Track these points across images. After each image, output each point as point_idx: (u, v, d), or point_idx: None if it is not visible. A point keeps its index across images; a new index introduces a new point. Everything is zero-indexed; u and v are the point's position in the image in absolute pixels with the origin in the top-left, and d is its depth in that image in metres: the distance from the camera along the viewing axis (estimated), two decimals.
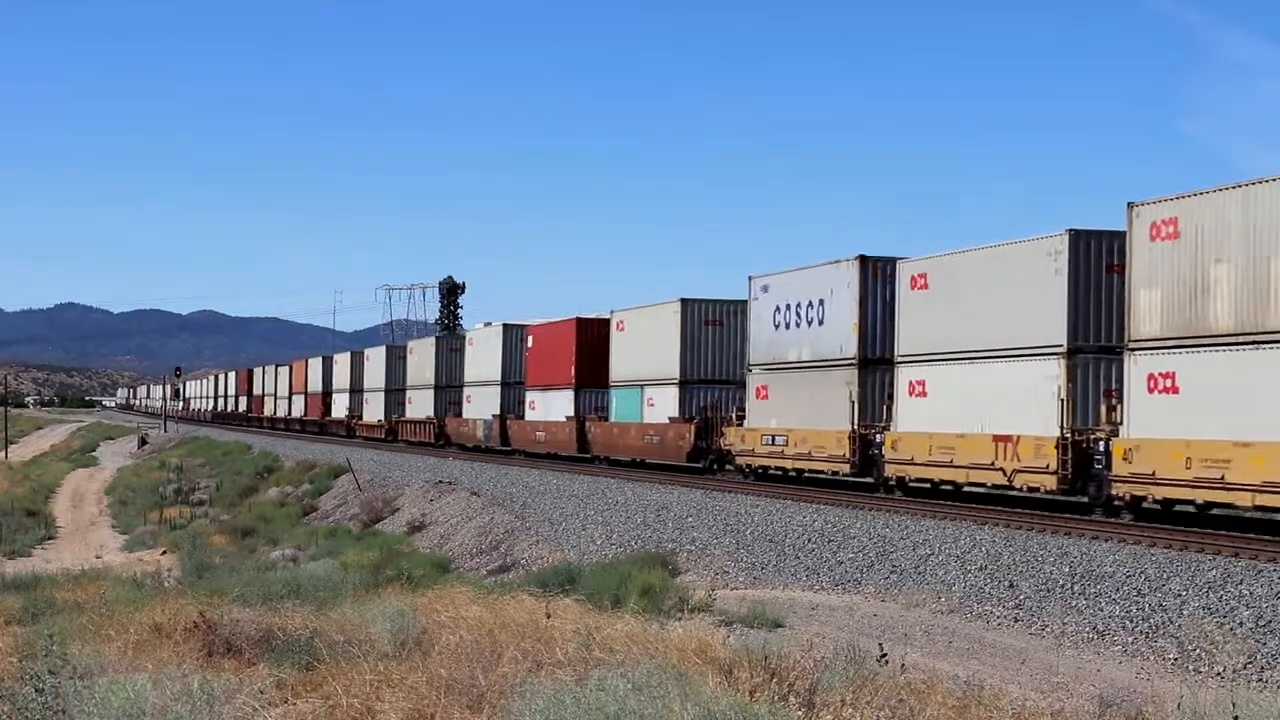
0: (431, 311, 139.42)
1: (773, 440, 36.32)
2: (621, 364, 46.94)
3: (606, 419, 47.64)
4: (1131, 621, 18.35)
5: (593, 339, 49.01)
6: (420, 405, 70.82)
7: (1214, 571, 19.34)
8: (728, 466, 40.17)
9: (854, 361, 33.16)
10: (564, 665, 12.22)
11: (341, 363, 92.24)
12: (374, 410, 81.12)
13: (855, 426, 32.74)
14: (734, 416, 39.26)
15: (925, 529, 25.60)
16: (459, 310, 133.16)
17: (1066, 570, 20.88)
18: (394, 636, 13.82)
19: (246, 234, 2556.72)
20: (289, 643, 13.66)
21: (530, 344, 54.87)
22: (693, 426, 41.18)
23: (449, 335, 67.62)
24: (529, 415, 54.60)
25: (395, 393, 77.16)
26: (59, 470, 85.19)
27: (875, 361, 32.98)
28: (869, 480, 33.15)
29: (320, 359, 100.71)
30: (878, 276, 33.38)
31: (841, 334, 33.82)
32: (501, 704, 10.79)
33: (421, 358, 71.94)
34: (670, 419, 42.50)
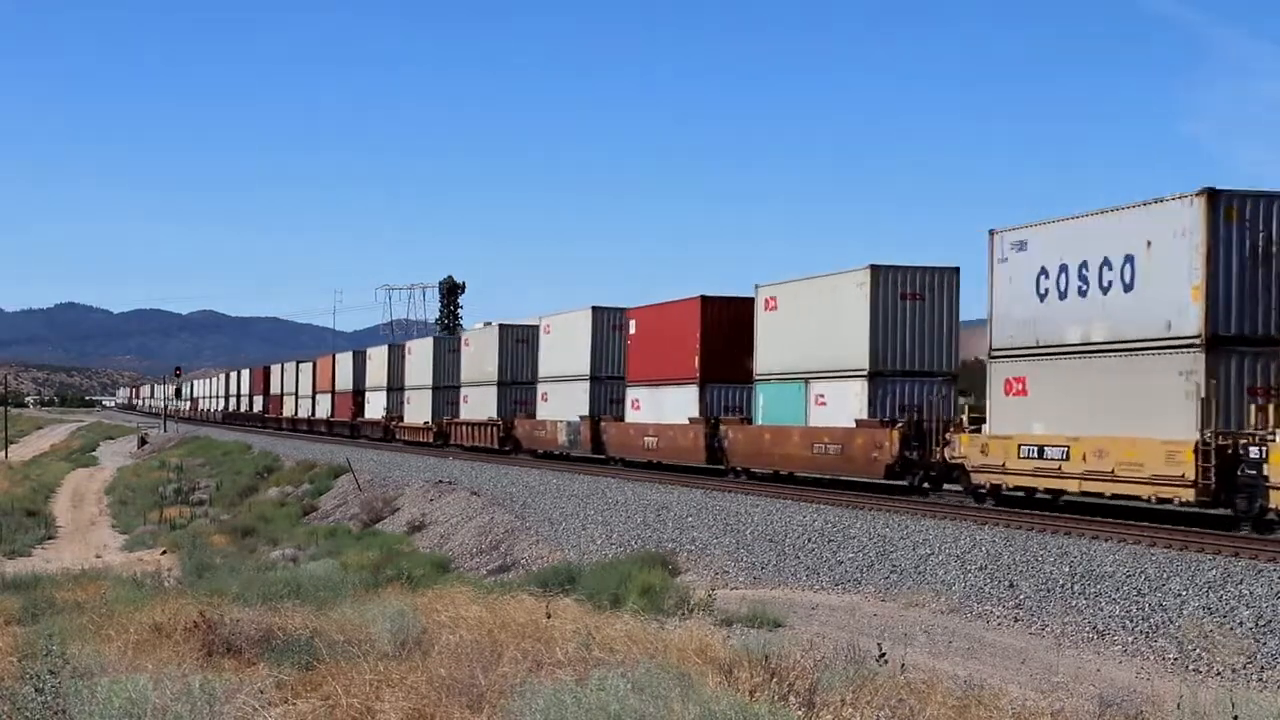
0: (431, 311, 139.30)
1: (1039, 452, 27.02)
2: (774, 352, 37.38)
3: (750, 421, 38.37)
4: (1131, 621, 18.34)
5: (724, 321, 40.25)
6: (479, 405, 61.23)
7: (1214, 571, 19.33)
8: (946, 486, 31.36)
9: (1197, 341, 23.77)
10: (564, 665, 12.21)
11: (378, 358, 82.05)
12: (419, 410, 70.82)
13: (1203, 435, 23.33)
14: (963, 420, 30.32)
15: (925, 529, 25.60)
16: (459, 310, 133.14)
17: (1066, 570, 20.88)
18: (394, 636, 13.81)
19: (246, 234, 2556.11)
20: (289, 643, 13.65)
21: (632, 330, 46.01)
22: (895, 433, 31.62)
23: (514, 324, 58.71)
24: (631, 416, 45.76)
25: (446, 391, 67.40)
26: (59, 470, 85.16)
27: (1232, 341, 23.80)
28: (1231, 512, 23.89)
29: (350, 354, 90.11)
30: (1233, 220, 23.93)
31: (1170, 303, 24.40)
32: (501, 704, 10.79)
33: (480, 349, 61.85)
34: (858, 421, 33.04)
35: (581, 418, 48.99)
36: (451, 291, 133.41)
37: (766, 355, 37.82)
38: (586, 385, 49.15)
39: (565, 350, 51.43)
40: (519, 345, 58.05)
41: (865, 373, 33.17)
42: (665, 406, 42.78)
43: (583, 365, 49.62)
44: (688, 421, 40.89)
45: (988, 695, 12.08)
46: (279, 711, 10.93)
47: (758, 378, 37.97)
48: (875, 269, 33.17)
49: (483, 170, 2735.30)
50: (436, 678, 11.55)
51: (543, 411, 53.62)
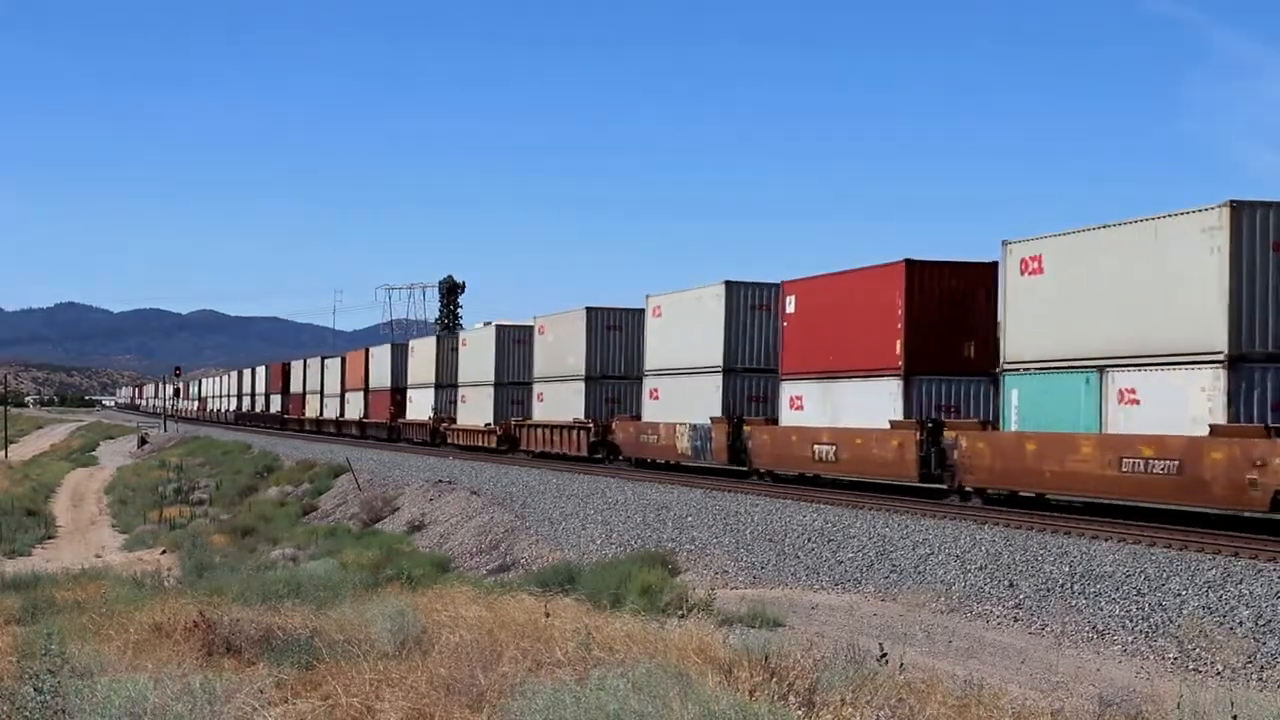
0: (431, 311, 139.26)
1: None
2: (1038, 330, 27.51)
3: (992, 426, 28.71)
4: (1131, 621, 18.35)
5: (938, 295, 31.03)
6: (559, 403, 51.42)
7: (1214, 571, 19.33)
8: None
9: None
10: (564, 665, 12.21)
11: (423, 351, 72.04)
12: (477, 411, 60.73)
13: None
14: None
15: (925, 528, 25.59)
16: (459, 310, 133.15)
17: (1066, 570, 20.88)
18: (394, 636, 13.81)
19: (246, 234, 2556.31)
20: (289, 642, 13.65)
21: (789, 308, 36.36)
22: None
23: (604, 308, 49.82)
24: (790, 418, 35.68)
25: (511, 388, 58.13)
26: (59, 470, 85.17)
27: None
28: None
29: (388, 347, 79.88)
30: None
31: None
32: (501, 703, 10.78)
33: (559, 338, 52.14)
34: (1214, 428, 22.76)
35: (713, 420, 38.92)
36: (451, 291, 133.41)
37: (1025, 335, 27.95)
38: (718, 379, 39.12)
39: (685, 337, 41.61)
40: (609, 332, 49.20)
41: (1221, 355, 22.88)
42: (845, 406, 33.06)
43: (712, 354, 39.67)
44: (888, 426, 30.81)
45: (988, 695, 12.08)
46: (279, 711, 10.93)
47: (1007, 366, 28.25)
48: (1238, 207, 22.96)
49: (483, 170, 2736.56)
50: (436, 677, 11.55)
51: (651, 412, 44.00)
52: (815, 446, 33.81)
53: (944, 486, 29.72)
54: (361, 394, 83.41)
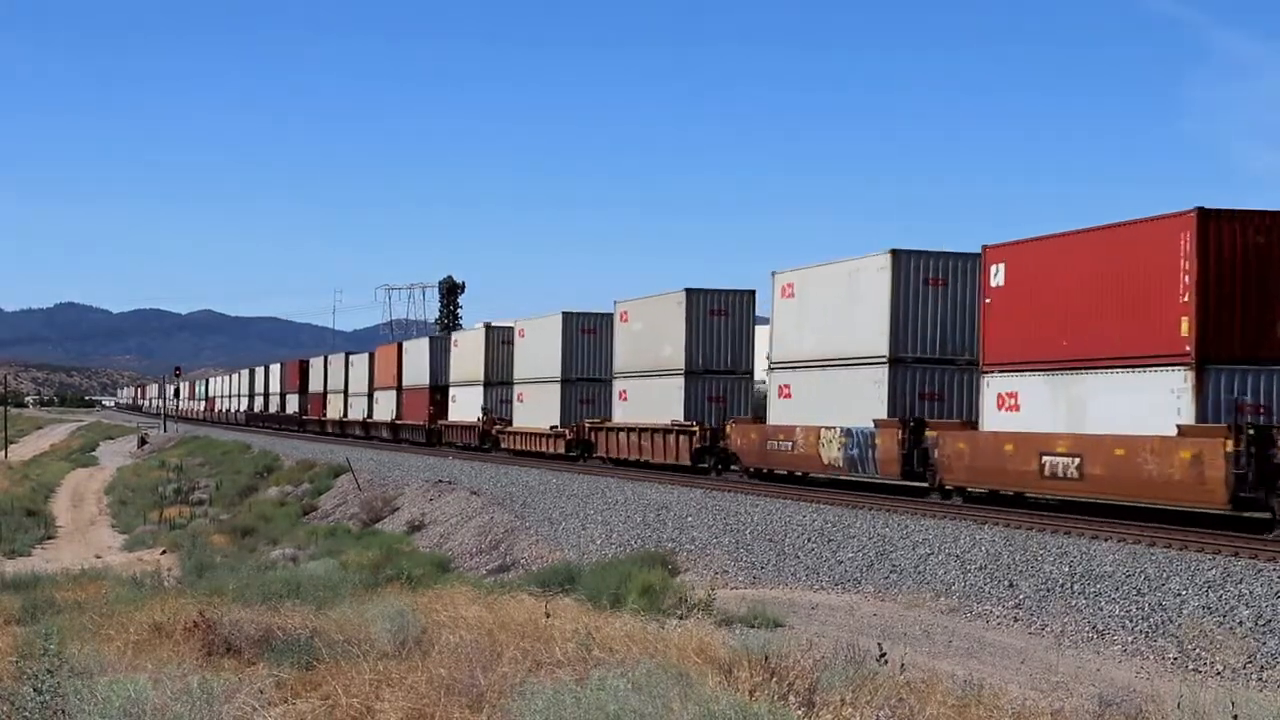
0: (431, 311, 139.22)
1: None
2: None
3: None
4: (1131, 621, 18.35)
5: (1245, 254, 23.27)
6: (648, 403, 43.29)
7: (1214, 571, 19.33)
8: None
9: None
10: (564, 665, 12.21)
11: (469, 344, 63.14)
12: (537, 412, 52.22)
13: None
14: None
15: (925, 528, 25.58)
16: (459, 310, 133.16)
17: (1066, 570, 20.88)
18: (394, 636, 13.81)
19: (246, 234, 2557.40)
20: (288, 642, 13.65)
21: (998, 280, 28.38)
22: None
23: (707, 290, 41.61)
24: (999, 422, 27.98)
25: (581, 385, 50.00)
26: (59, 470, 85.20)
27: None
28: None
29: (425, 341, 71.78)
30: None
31: None
32: (501, 703, 10.78)
33: (650, 327, 43.89)
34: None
35: (879, 423, 31.24)
36: (451, 291, 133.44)
37: None
38: (882, 372, 31.71)
39: (832, 320, 34.12)
40: (713, 318, 41.10)
41: None
42: (1092, 406, 25.53)
43: (874, 341, 32.17)
44: (1176, 433, 23.13)
45: (987, 695, 12.08)
46: (279, 711, 10.93)
47: None
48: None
49: (483, 170, 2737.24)
50: (436, 677, 11.55)
51: (782, 413, 35.91)
52: (1045, 459, 26.07)
53: (1268, 515, 22.14)
54: (393, 393, 75.52)
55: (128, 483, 71.02)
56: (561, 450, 49.66)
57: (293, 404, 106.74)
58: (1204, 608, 17.98)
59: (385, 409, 77.76)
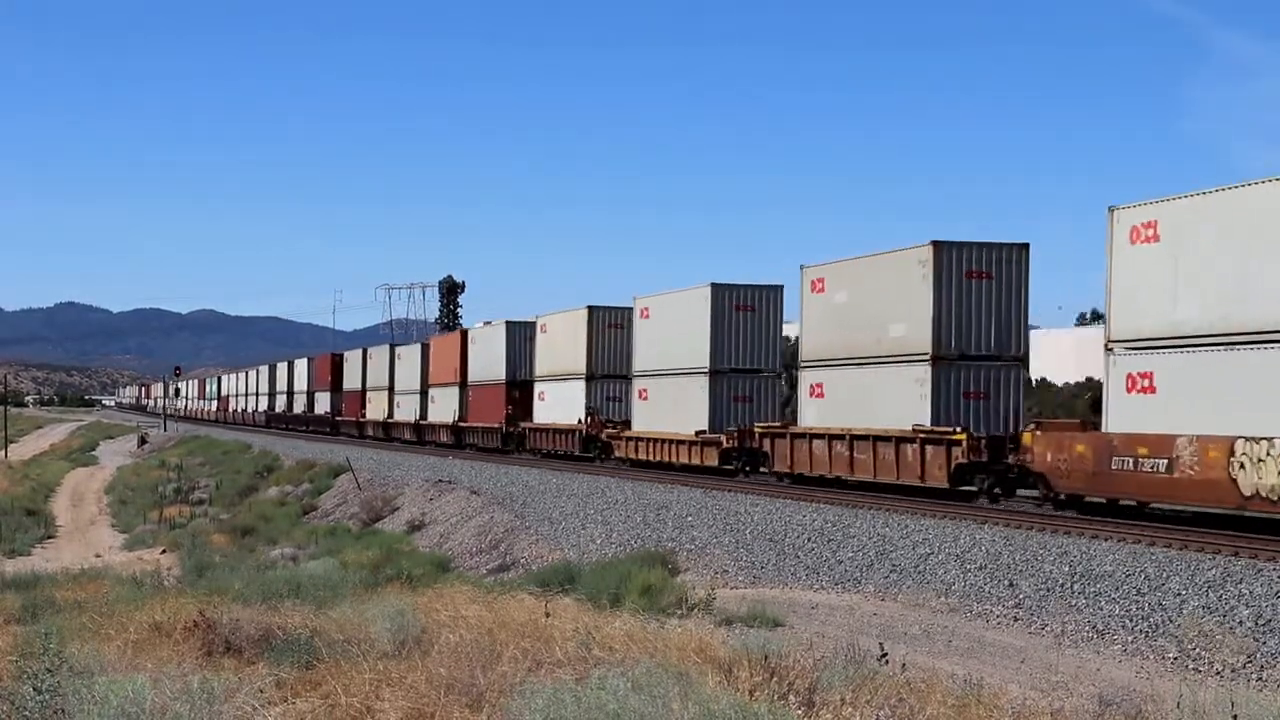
0: (431, 310, 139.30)
1: None
2: None
3: None
4: (1131, 620, 18.35)
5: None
6: (862, 401, 32.55)
7: (1213, 570, 19.33)
8: None
9: None
10: (564, 664, 12.20)
11: (563, 330, 51.51)
12: (673, 413, 41.83)
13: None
14: None
15: (925, 528, 25.58)
16: (459, 309, 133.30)
17: (1066, 569, 20.88)
18: (393, 635, 13.80)
19: (246, 234, 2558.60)
20: (288, 642, 13.64)
21: None
22: None
23: (955, 243, 30.69)
24: None
25: (733, 378, 39.96)
26: (59, 469, 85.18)
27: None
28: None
29: (501, 327, 58.86)
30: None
31: None
32: (501, 703, 10.77)
33: (871, 292, 32.60)
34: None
35: None
36: (451, 291, 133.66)
37: None
38: None
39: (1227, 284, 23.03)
40: (970, 281, 30.44)
41: None
42: None
43: None
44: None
45: (987, 694, 12.07)
46: (278, 711, 10.92)
47: None
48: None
49: (483, 170, 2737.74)
50: (436, 677, 11.54)
51: (1133, 416, 24.74)
52: None
53: None
54: (454, 390, 64.29)
55: (128, 482, 71.03)
56: (714, 462, 39.29)
57: (323, 403, 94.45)
58: (1204, 608, 17.98)
59: (444, 409, 66.00)
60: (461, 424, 63.36)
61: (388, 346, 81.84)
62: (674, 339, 42.05)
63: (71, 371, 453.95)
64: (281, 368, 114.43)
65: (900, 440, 30.99)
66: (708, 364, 39.91)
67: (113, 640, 14.11)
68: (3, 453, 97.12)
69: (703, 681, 11.16)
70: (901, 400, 31.08)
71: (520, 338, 57.16)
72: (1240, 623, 17.25)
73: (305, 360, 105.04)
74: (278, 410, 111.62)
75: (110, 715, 9.94)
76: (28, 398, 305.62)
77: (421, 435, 70.37)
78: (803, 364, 35.33)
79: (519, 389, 56.54)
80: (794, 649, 12.96)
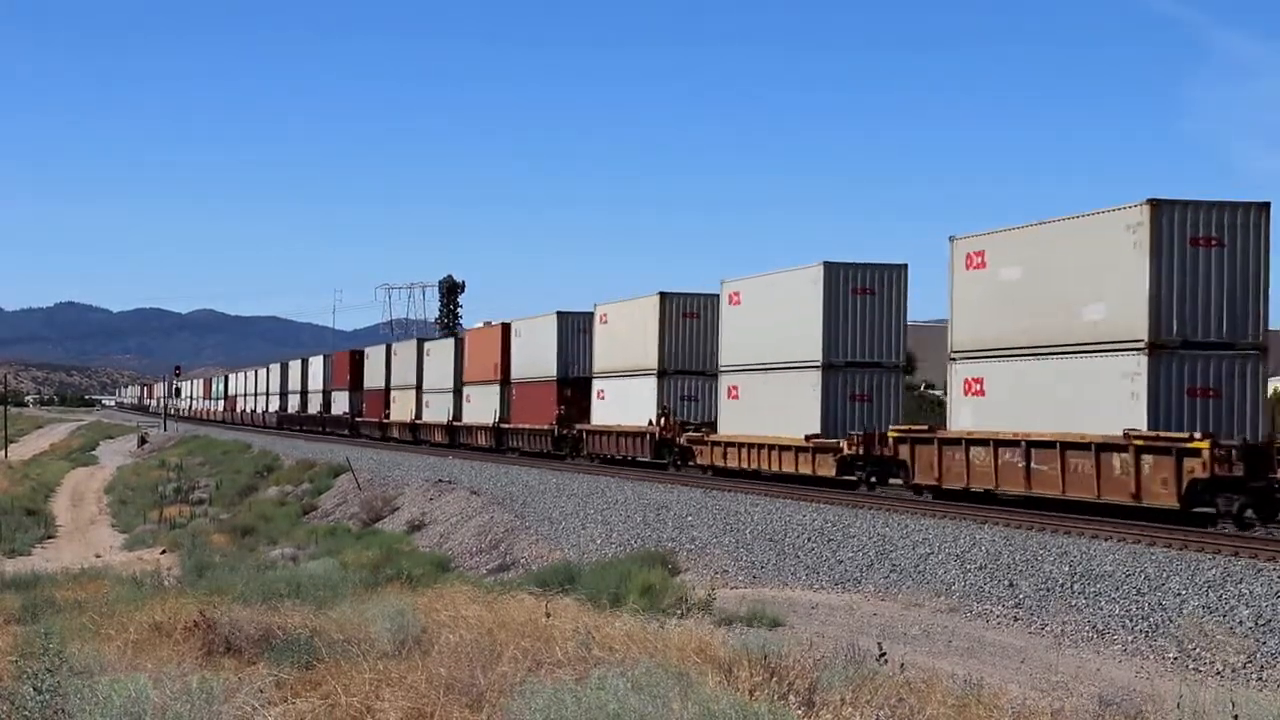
0: (431, 310, 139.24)
1: None
2: None
3: None
4: (1131, 620, 18.35)
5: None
6: (1046, 399, 27.23)
7: (1214, 570, 19.33)
8: None
9: None
10: (564, 664, 12.21)
11: (629, 320, 45.46)
12: (771, 414, 36.23)
13: None
14: None
15: (925, 528, 25.58)
16: (459, 309, 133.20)
17: (1066, 569, 20.88)
18: (393, 635, 13.80)
19: (246, 234, 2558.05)
20: (288, 642, 13.64)
21: None
22: None
23: (1178, 203, 25.18)
24: None
25: (859, 374, 34.57)
26: (59, 469, 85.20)
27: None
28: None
29: (552, 318, 52.41)
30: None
31: None
32: (501, 703, 10.77)
33: (1041, 266, 27.74)
34: None
35: None
36: (451, 291, 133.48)
37: None
38: None
39: None
40: (1198, 247, 25.29)
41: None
42: None
43: None
44: None
45: (987, 694, 12.07)
46: (278, 710, 10.92)
47: None
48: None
49: (483, 170, 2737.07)
50: (436, 677, 11.54)
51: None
52: None
53: None
54: (494, 389, 58.40)
55: (128, 482, 71.04)
56: (828, 471, 33.75)
57: (341, 403, 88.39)
58: (1204, 607, 17.98)
59: (483, 409, 59.80)
60: (504, 426, 57.28)
61: (415, 342, 75.55)
62: (775, 328, 36.38)
63: (71, 371, 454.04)
64: (294, 366, 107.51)
65: (1105, 448, 25.49)
66: (820, 356, 34.24)
67: (113, 640, 14.12)
68: (3, 452, 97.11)
69: (703, 681, 11.16)
70: (1103, 398, 25.89)
71: (573, 329, 51.49)
72: (1240, 623, 17.25)
73: (320, 358, 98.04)
74: (290, 411, 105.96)
75: (111, 715, 9.94)
76: (28, 397, 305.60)
77: (455, 438, 64.30)
78: (956, 355, 30.13)
79: (572, 387, 50.70)
80: (794, 649, 12.96)
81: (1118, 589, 19.51)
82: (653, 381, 43.14)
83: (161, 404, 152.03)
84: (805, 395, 34.69)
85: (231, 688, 11.07)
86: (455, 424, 64.27)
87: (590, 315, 49.66)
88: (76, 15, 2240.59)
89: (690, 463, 41.11)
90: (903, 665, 12.89)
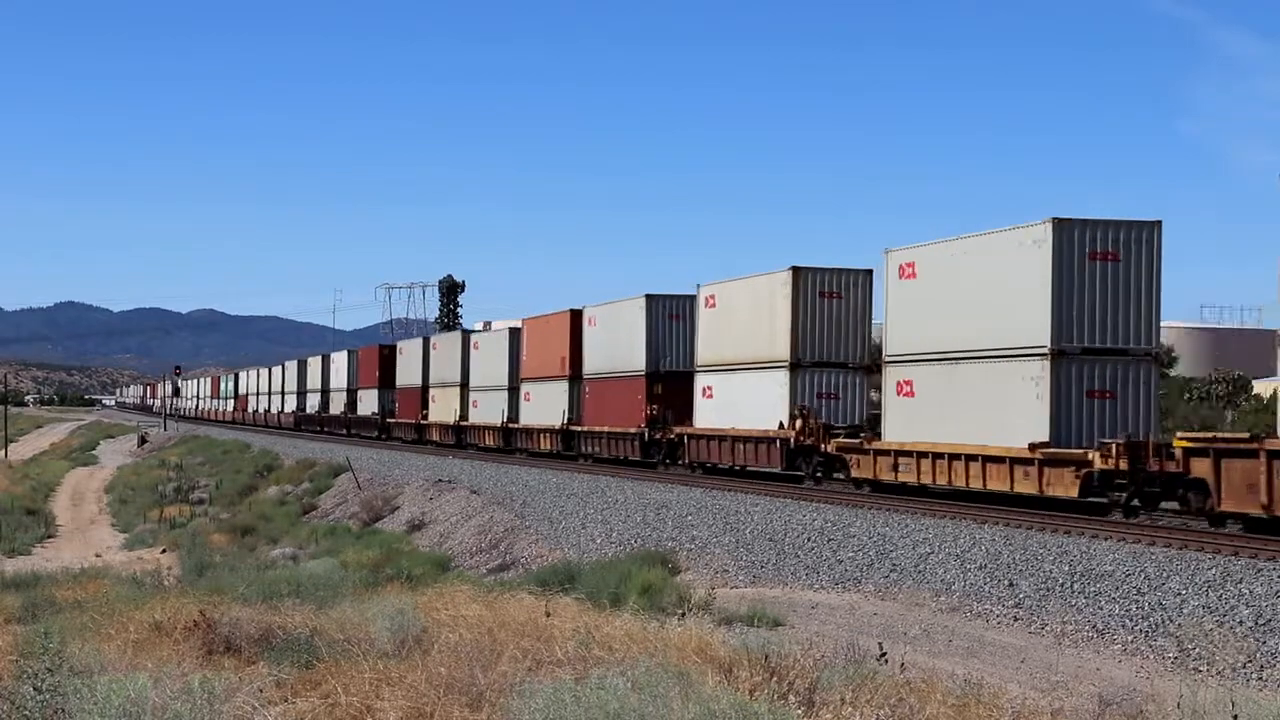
0: (431, 310, 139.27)
1: None
2: None
3: None
4: (1131, 620, 18.35)
5: None
6: None
7: (1213, 570, 19.34)
8: None
9: None
10: (563, 664, 12.21)
11: (747, 300, 38.16)
12: (969, 416, 28.79)
13: None
14: None
15: (925, 528, 25.59)
16: (459, 309, 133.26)
17: (1066, 569, 20.88)
18: (393, 635, 13.80)
19: (246, 234, 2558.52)
20: (289, 641, 13.65)
21: None
22: None
23: None
24: None
25: (1089, 362, 26.80)
26: (59, 469, 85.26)
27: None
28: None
29: (642, 300, 44.79)
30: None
31: None
32: (501, 703, 10.77)
33: None
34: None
35: None
36: (451, 290, 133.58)
37: None
38: None
39: None
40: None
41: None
42: None
43: None
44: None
45: (987, 694, 12.07)
46: (278, 710, 10.92)
47: None
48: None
49: (483, 170, 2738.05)
50: (436, 676, 11.54)
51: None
52: None
53: None
54: (562, 386, 50.49)
55: (128, 482, 71.06)
56: (1068, 491, 26.31)
57: (369, 403, 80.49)
58: (1204, 607, 17.99)
59: (546, 409, 51.86)
60: (574, 428, 49.23)
61: (459, 334, 69.01)
62: (970, 306, 29.16)
63: (72, 371, 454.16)
64: (313, 363, 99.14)
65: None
66: (1048, 342, 26.85)
67: (113, 640, 14.11)
68: (3, 452, 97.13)
69: (703, 681, 11.16)
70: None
71: (664, 315, 44.27)
72: (1240, 623, 17.25)
73: (344, 354, 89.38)
74: (308, 411, 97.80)
75: (111, 715, 9.94)
76: (28, 397, 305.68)
77: (511, 441, 56.35)
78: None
79: (664, 382, 43.44)
80: (794, 648, 12.96)
81: (1118, 589, 19.52)
82: (782, 376, 35.58)
83: (164, 404, 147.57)
84: (1024, 391, 27.42)
85: (231, 687, 11.06)
86: (512, 425, 56.12)
87: (687, 299, 43.17)
88: (77, 15, 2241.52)
89: (837, 475, 33.83)
90: (903, 665, 12.89)
